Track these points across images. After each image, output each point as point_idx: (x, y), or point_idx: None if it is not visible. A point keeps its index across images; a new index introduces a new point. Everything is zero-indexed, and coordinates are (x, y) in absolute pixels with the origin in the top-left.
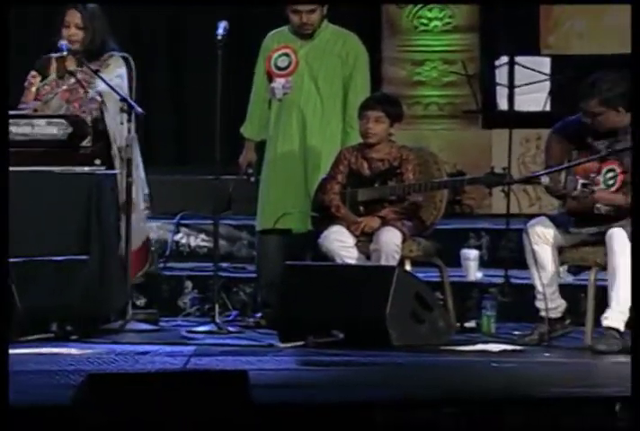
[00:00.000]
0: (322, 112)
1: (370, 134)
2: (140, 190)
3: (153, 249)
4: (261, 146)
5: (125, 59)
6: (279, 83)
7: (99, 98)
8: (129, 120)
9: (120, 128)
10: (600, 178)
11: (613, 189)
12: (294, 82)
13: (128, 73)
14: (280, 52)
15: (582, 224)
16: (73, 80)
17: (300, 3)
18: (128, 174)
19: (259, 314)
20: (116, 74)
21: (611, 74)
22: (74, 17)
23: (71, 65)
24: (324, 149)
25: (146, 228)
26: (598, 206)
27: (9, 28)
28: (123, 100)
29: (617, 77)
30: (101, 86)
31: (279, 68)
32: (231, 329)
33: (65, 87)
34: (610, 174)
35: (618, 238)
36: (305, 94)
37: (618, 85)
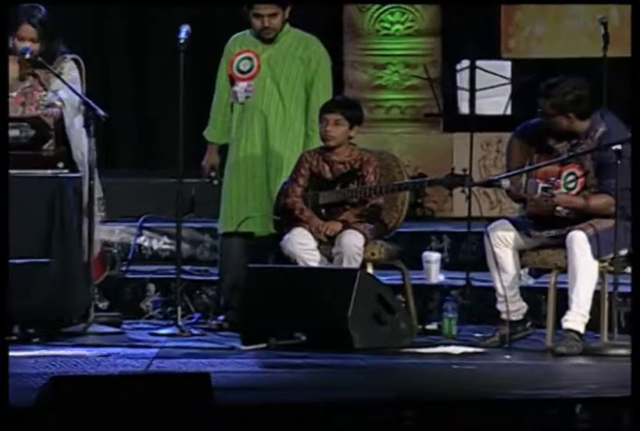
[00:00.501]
0: (284, 116)
1: (329, 137)
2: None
3: (115, 251)
4: (223, 150)
5: (76, 61)
6: (241, 86)
7: (58, 102)
8: (90, 123)
9: (81, 131)
10: (561, 181)
11: (573, 192)
12: (256, 85)
13: (79, 75)
14: (242, 56)
15: (543, 227)
16: (27, 83)
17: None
18: (91, 177)
19: (221, 317)
20: (70, 78)
21: (569, 80)
22: (28, 32)
23: (28, 68)
24: (287, 152)
25: (101, 232)
26: (558, 208)
27: None
28: (85, 103)
29: (573, 83)
30: (60, 89)
31: (241, 72)
32: (193, 331)
33: (19, 91)
34: (571, 177)
35: (579, 241)
36: (267, 98)
37: (572, 92)
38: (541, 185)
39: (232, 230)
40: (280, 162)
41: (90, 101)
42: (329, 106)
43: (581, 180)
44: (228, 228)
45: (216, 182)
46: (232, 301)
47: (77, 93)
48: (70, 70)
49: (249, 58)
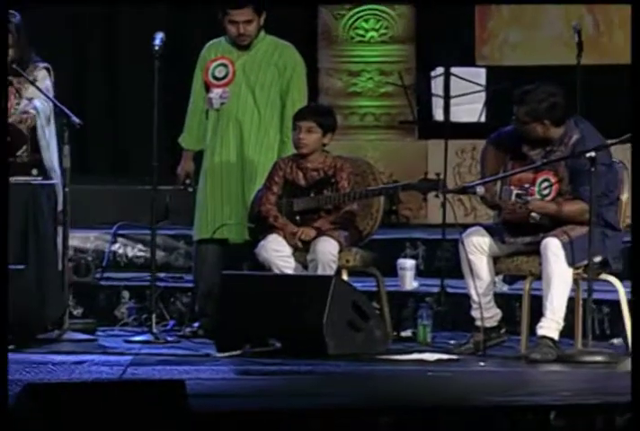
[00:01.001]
0: (259, 122)
1: (302, 144)
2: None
3: (90, 258)
4: (198, 156)
5: (47, 69)
6: (216, 93)
7: (32, 110)
8: (64, 131)
9: (54, 139)
10: (535, 188)
11: (548, 199)
12: (231, 92)
13: (50, 82)
14: (217, 62)
15: (517, 234)
16: None
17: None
18: (65, 184)
19: (196, 324)
20: (44, 86)
21: (543, 87)
22: None
23: None
24: (262, 159)
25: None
26: (533, 215)
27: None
28: (59, 110)
29: (548, 91)
30: (35, 98)
31: (216, 78)
32: (168, 338)
33: None
34: (545, 184)
35: (553, 247)
36: (242, 105)
37: (546, 99)
38: (515, 191)
39: (207, 237)
40: (255, 169)
41: (64, 109)
42: (302, 113)
43: (555, 187)
44: (203, 235)
45: (190, 189)
46: (206, 308)
47: (53, 101)
48: (44, 78)
49: (224, 65)
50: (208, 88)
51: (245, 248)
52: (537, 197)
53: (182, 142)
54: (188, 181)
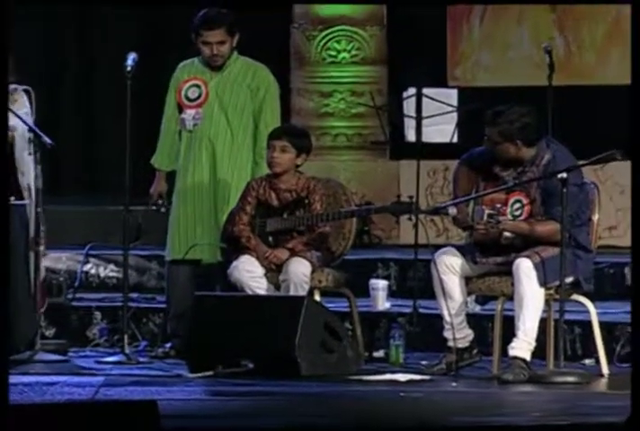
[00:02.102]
0: (231, 143)
1: (275, 163)
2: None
3: (62, 279)
4: (172, 177)
5: (27, 92)
6: (189, 114)
7: (9, 132)
8: (36, 151)
9: (28, 159)
10: (507, 208)
11: (520, 219)
12: (204, 113)
13: (30, 106)
14: (190, 83)
15: (489, 254)
16: None
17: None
18: (37, 205)
19: (168, 345)
20: (25, 111)
21: (516, 108)
22: None
23: None
24: (234, 180)
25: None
26: (506, 235)
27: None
28: (32, 131)
29: (520, 112)
30: (11, 120)
31: (189, 99)
32: (140, 359)
33: None
34: (517, 205)
35: (525, 268)
36: (215, 125)
37: (519, 120)
38: (487, 211)
39: (179, 257)
40: (228, 190)
41: (36, 129)
42: (276, 133)
43: (527, 208)
44: (175, 256)
45: (163, 210)
46: (179, 328)
47: (25, 122)
48: (24, 102)
49: (197, 86)
50: (181, 109)
51: (218, 269)
52: (509, 217)
53: (155, 162)
54: (160, 202)
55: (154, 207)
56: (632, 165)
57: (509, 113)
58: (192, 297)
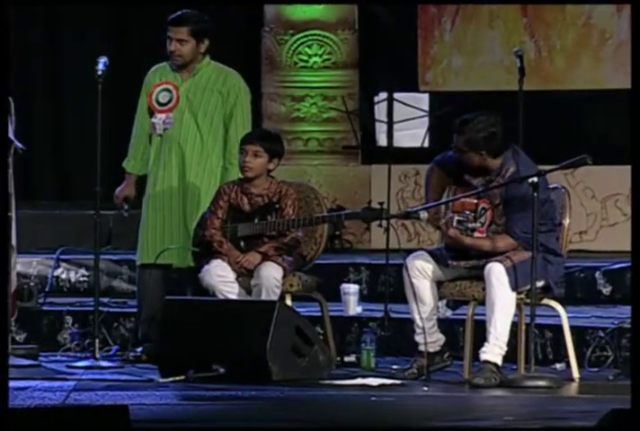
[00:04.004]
0: (201, 148)
1: (247, 167)
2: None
3: (32, 283)
4: (142, 181)
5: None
6: (159, 118)
7: None
8: (8, 155)
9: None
10: (477, 215)
11: (484, 227)
12: (174, 117)
13: (9, 115)
14: (161, 87)
15: (459, 258)
16: None
17: None
18: (8, 209)
19: (139, 349)
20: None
21: (482, 117)
22: None
23: None
24: (203, 185)
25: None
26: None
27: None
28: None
29: (487, 121)
30: None
31: (160, 104)
32: (111, 364)
33: None
34: (482, 211)
35: (496, 273)
36: (185, 130)
37: (484, 130)
38: (456, 218)
39: (149, 262)
40: (197, 195)
41: (9, 134)
42: (248, 137)
43: (489, 213)
44: (145, 260)
45: (126, 214)
46: (150, 333)
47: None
48: None
49: (168, 90)
50: (152, 113)
51: (188, 273)
52: (478, 224)
53: (127, 166)
54: (126, 207)
55: (119, 211)
56: (632, 169)
57: (475, 122)
58: (163, 301)
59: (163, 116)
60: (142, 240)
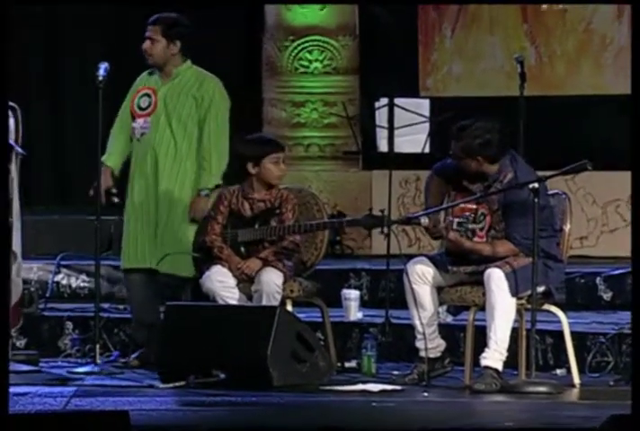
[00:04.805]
0: (175, 153)
1: (282, 177)
2: (19, 239)
3: (33, 289)
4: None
5: (12, 109)
6: (138, 123)
7: None
8: (10, 161)
9: None
10: (476, 219)
11: (483, 232)
12: (152, 122)
13: (14, 122)
14: (142, 92)
15: (459, 263)
16: None
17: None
18: (9, 215)
19: (134, 355)
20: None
21: (480, 124)
22: None
23: None
24: (176, 190)
25: (20, 282)
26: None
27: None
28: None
29: (484, 127)
30: None
31: (140, 109)
32: (112, 369)
33: None
34: (482, 217)
35: (496, 278)
36: (160, 135)
37: (481, 136)
38: (456, 220)
39: (128, 267)
40: (170, 200)
41: (10, 140)
42: (276, 145)
43: (488, 218)
44: (127, 265)
45: (118, 200)
46: (140, 337)
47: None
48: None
49: (148, 95)
50: (133, 118)
51: (181, 279)
52: (478, 226)
53: (108, 161)
54: (115, 191)
55: (112, 200)
56: (632, 175)
57: (472, 129)
58: (152, 306)
59: (141, 120)
60: (123, 245)
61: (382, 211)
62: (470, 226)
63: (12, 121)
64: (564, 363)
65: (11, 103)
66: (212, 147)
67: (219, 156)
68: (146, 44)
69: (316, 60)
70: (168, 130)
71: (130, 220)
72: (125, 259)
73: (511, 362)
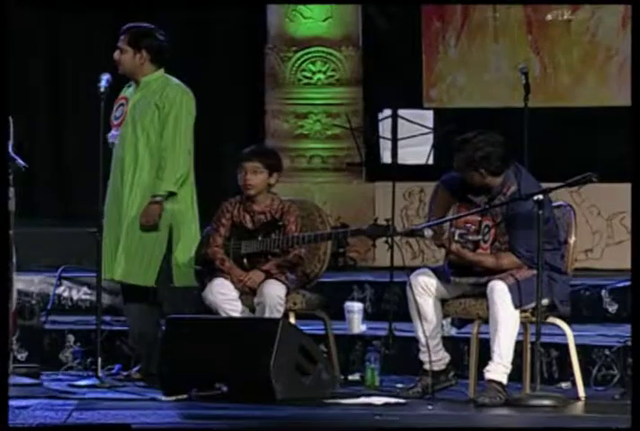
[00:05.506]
0: (136, 162)
1: (249, 185)
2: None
3: (34, 302)
4: None
5: None
6: (112, 133)
7: None
8: (9, 172)
9: None
10: (480, 231)
11: (488, 244)
12: (122, 131)
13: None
14: (118, 103)
15: (462, 274)
16: None
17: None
18: (9, 228)
19: (136, 367)
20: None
21: (482, 136)
22: None
23: None
24: (137, 198)
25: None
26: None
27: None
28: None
29: (487, 140)
30: None
31: (115, 118)
32: (114, 382)
33: None
34: (486, 229)
35: (499, 291)
36: (126, 144)
37: (482, 149)
38: (458, 232)
39: (107, 278)
40: (132, 210)
41: (10, 151)
42: (246, 155)
43: (492, 231)
44: (106, 275)
45: None
46: (137, 349)
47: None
48: None
49: (122, 105)
50: (110, 128)
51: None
52: (480, 237)
53: None
54: None
55: None
56: (632, 186)
57: (475, 141)
58: (148, 318)
59: (114, 130)
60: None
61: (387, 220)
62: (471, 238)
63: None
64: (569, 376)
65: None
66: (167, 154)
67: (174, 164)
68: (116, 53)
69: (319, 71)
70: (133, 139)
71: (104, 231)
72: (103, 269)
73: (515, 375)
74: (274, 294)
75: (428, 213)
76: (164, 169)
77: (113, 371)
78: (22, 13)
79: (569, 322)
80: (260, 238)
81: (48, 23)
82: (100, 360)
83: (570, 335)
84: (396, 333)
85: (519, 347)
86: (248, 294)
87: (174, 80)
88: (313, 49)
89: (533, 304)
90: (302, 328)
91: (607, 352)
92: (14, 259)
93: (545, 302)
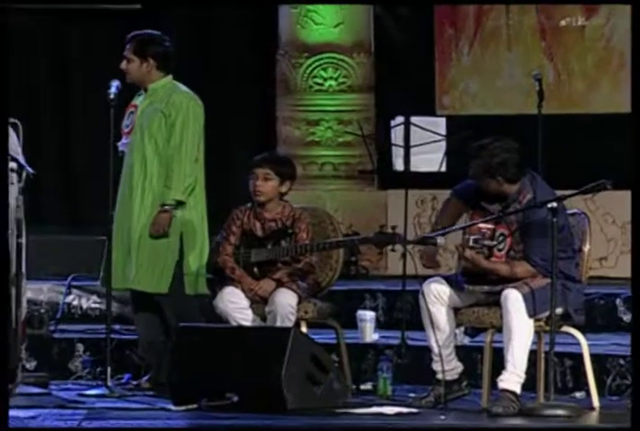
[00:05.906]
0: (145, 170)
1: (259, 192)
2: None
3: (43, 310)
4: None
5: (14, 125)
6: (122, 141)
7: None
8: (19, 181)
9: (10, 189)
10: (495, 239)
11: (503, 252)
12: (131, 139)
13: (17, 139)
14: (129, 111)
15: (476, 282)
16: None
17: None
18: (19, 235)
19: (146, 377)
20: (11, 141)
21: (499, 143)
22: None
23: None
24: (146, 207)
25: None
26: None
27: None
28: (14, 159)
29: (503, 146)
30: None
31: (126, 126)
32: (123, 392)
33: None
34: (501, 238)
35: (513, 300)
36: (135, 152)
37: (499, 155)
38: (472, 238)
39: (116, 286)
40: (139, 217)
41: (18, 158)
42: (258, 161)
43: (509, 240)
44: (114, 284)
45: None
46: (147, 358)
47: (6, 151)
48: (10, 139)
49: (132, 113)
50: (121, 136)
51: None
52: (495, 242)
53: None
54: None
55: None
56: (632, 195)
57: (490, 148)
58: (157, 326)
59: (124, 138)
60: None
61: (393, 228)
62: (486, 243)
63: (14, 136)
64: (584, 385)
65: (13, 120)
66: (175, 163)
67: (180, 172)
68: (122, 63)
69: (331, 78)
70: (141, 147)
71: (113, 239)
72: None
73: (529, 384)
74: (286, 303)
75: (434, 222)
76: (171, 177)
77: (123, 380)
78: (29, 19)
79: (583, 331)
80: (269, 246)
81: (56, 29)
82: (109, 369)
83: (584, 344)
84: (409, 342)
85: (532, 357)
86: (259, 302)
87: (182, 87)
88: (324, 56)
89: (547, 313)
90: (314, 337)
91: (621, 361)
92: (24, 268)
93: (559, 311)
